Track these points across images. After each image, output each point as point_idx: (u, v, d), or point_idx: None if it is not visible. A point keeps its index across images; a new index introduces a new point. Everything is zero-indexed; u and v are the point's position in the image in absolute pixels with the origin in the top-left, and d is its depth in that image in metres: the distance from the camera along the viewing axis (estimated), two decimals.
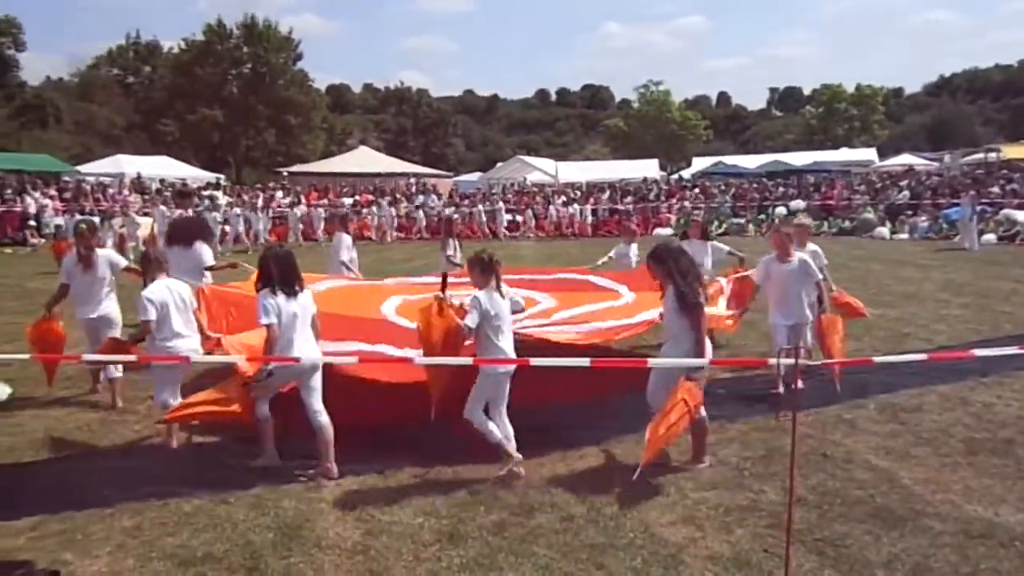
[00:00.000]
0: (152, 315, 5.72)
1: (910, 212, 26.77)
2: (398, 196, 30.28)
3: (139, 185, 30.06)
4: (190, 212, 13.21)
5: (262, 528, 4.47)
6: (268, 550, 4.20)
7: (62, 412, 6.70)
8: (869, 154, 44.76)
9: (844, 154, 45.17)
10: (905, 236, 24.91)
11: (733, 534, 4.38)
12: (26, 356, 6.27)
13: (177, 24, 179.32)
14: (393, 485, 5.12)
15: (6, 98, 46.86)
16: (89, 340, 7.00)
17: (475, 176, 48.92)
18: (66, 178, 31.07)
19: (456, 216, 24.80)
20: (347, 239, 10.45)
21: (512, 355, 5.27)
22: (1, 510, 4.60)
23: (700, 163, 43.42)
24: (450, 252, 11.57)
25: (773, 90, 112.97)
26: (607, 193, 31.44)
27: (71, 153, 43.08)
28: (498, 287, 5.31)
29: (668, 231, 26.53)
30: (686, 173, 42.07)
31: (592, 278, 9.07)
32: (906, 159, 40.41)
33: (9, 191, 24.74)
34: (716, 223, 27.57)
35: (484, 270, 5.28)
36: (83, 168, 34.97)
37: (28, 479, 5.35)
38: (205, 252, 8.30)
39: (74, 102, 54.62)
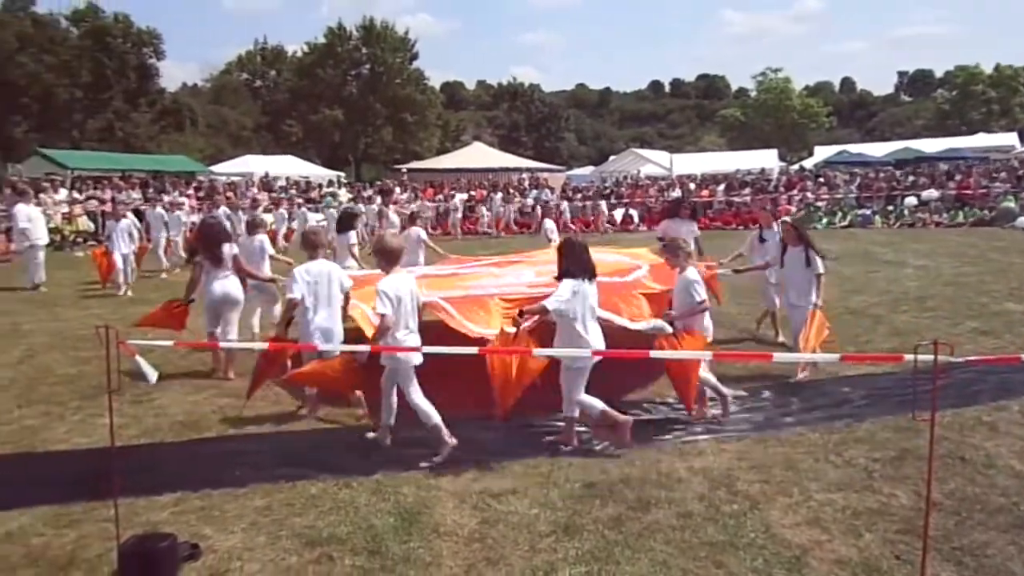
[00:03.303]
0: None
1: None
2: (511, 191, 30.49)
3: (266, 184, 31.50)
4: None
5: (383, 513, 4.60)
6: (389, 534, 4.32)
7: (200, 396, 7.09)
8: (1010, 139, 41.61)
9: (981, 139, 42.17)
10: None
11: (862, 538, 4.18)
12: (167, 342, 6.66)
13: (301, 29, 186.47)
14: (509, 475, 5.15)
15: (148, 104, 49.95)
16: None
17: (588, 170, 48.67)
18: (200, 178, 32.97)
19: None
20: (419, 232, 11.74)
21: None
22: (147, 485, 4.90)
23: (822, 152, 41.64)
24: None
25: (902, 74, 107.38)
26: (723, 185, 30.62)
27: (204, 154, 45.65)
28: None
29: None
30: (807, 163, 40.45)
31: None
32: None
33: (151, 190, 26.44)
34: (839, 214, 26.43)
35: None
36: (215, 168, 37.03)
37: (170, 458, 5.68)
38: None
39: (207, 106, 57.88)
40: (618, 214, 28.05)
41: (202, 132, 53.75)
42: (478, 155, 42.42)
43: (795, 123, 61.66)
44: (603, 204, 28.16)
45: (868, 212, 26.58)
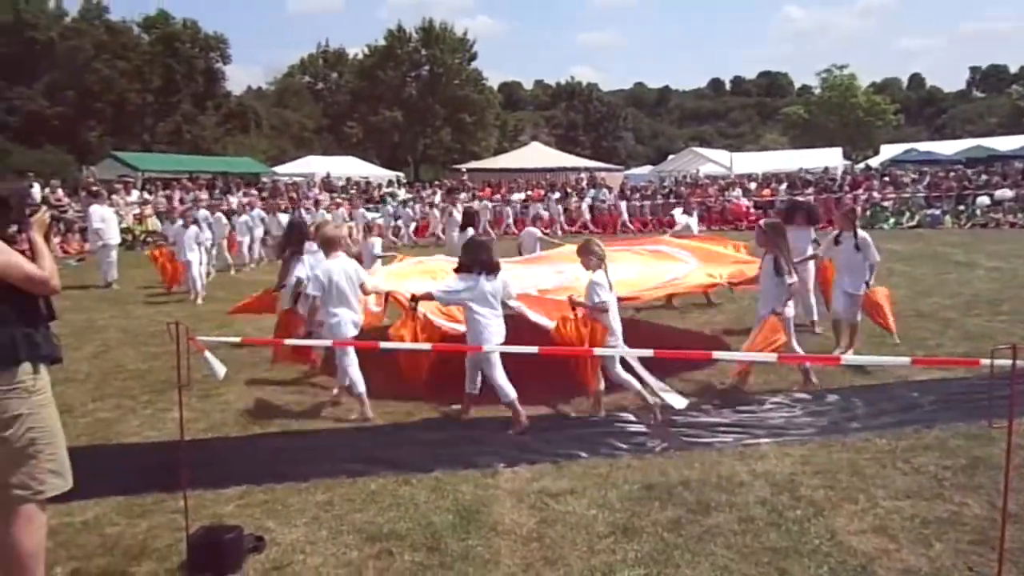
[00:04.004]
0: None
1: None
2: (568, 191, 30.43)
3: (327, 184, 32.04)
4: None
5: (442, 510, 4.63)
6: (448, 531, 4.35)
7: (263, 392, 7.27)
8: None
9: None
10: None
11: (932, 548, 4.05)
12: (237, 340, 6.85)
13: (362, 31, 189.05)
14: (567, 476, 5.14)
15: (214, 107, 51.30)
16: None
17: (646, 169, 48.26)
18: (264, 179, 33.75)
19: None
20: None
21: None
22: (213, 478, 5.03)
23: (889, 150, 40.45)
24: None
25: (974, 69, 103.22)
26: (784, 184, 30.01)
27: (268, 155, 46.67)
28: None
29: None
30: (873, 161, 39.38)
31: (664, 247, 9.83)
32: None
33: (217, 191, 27.17)
34: (907, 214, 25.68)
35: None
36: (278, 169, 37.84)
37: (235, 452, 5.83)
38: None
39: (271, 108, 59.09)
40: (679, 216, 27.68)
41: (266, 134, 54.93)
42: (536, 155, 42.41)
43: (861, 121, 59.99)
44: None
45: (937, 212, 25.73)
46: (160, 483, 4.90)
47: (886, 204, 26.75)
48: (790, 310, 7.05)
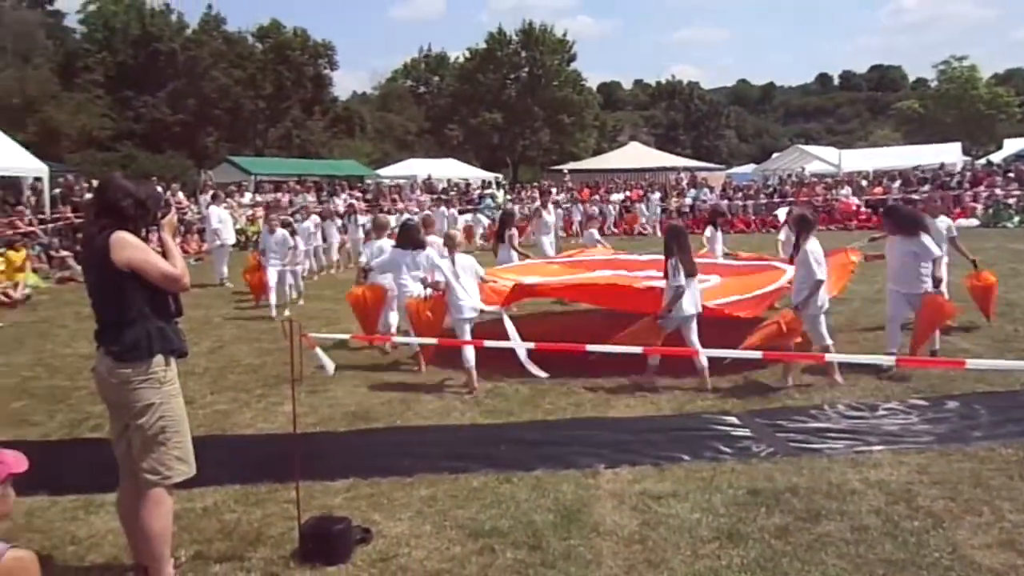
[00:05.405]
0: None
1: None
2: (668, 191, 30.02)
3: (428, 186, 32.67)
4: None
5: (543, 509, 4.65)
6: (549, 530, 4.36)
7: (369, 388, 7.48)
8: None
9: None
10: None
11: None
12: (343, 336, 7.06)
13: (463, 35, 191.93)
14: (669, 478, 5.08)
15: (322, 112, 53.05)
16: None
17: (749, 168, 47.08)
18: (368, 181, 34.69)
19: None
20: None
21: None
22: (322, 471, 5.21)
23: (1013, 145, 38.05)
24: None
25: None
26: (898, 181, 28.65)
27: (372, 158, 47.94)
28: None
29: (974, 223, 23.54)
30: (995, 157, 37.12)
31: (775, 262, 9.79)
32: None
33: (324, 193, 28.11)
34: None
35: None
36: (381, 171, 38.83)
37: (343, 445, 6.02)
38: None
39: (375, 112, 60.67)
40: (781, 214, 26.90)
41: (370, 137, 56.43)
42: (635, 155, 42.04)
43: (982, 114, 56.61)
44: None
45: None
46: (273, 473, 5.10)
47: (1010, 202, 25.21)
48: (819, 304, 7.03)
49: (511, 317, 8.25)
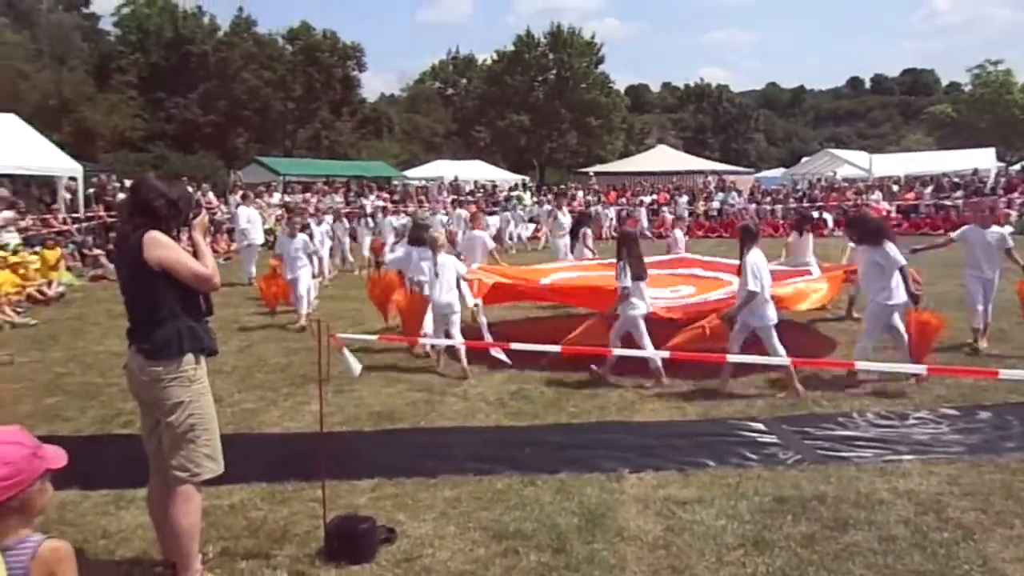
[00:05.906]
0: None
1: None
2: (696, 194, 29.86)
3: (455, 188, 32.78)
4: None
5: (567, 512, 4.64)
6: (573, 534, 4.36)
7: (394, 389, 7.52)
8: None
9: None
10: None
11: None
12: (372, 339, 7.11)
13: (491, 38, 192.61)
14: (694, 484, 5.06)
15: (350, 113, 53.40)
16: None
17: (778, 172, 46.66)
18: (395, 182, 34.88)
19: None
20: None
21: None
22: (348, 470, 5.25)
23: None
24: None
25: None
26: (930, 187, 28.23)
27: (399, 160, 48.18)
28: None
29: (1007, 230, 23.10)
30: None
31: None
32: None
33: (352, 194, 28.32)
34: None
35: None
36: (408, 173, 39.02)
37: (368, 445, 6.05)
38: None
39: (402, 114, 60.97)
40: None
41: (398, 139, 56.71)
42: (662, 158, 41.92)
43: (1016, 120, 55.61)
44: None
45: None
46: (299, 472, 5.15)
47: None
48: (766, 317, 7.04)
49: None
